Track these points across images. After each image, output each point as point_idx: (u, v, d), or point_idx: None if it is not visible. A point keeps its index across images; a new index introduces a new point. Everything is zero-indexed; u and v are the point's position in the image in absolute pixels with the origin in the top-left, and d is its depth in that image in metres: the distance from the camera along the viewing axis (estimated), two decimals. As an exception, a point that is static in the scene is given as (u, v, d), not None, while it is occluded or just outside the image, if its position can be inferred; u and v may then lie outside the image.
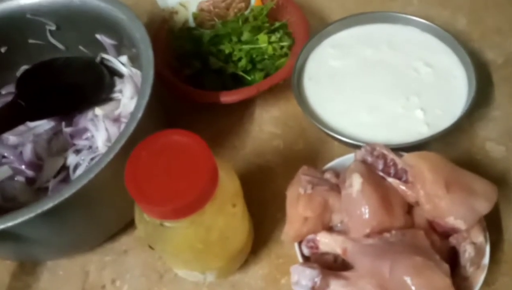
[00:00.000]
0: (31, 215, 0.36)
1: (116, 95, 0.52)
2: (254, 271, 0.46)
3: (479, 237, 0.40)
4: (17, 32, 0.52)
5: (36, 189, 0.48)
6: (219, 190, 0.35)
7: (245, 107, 0.56)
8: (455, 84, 0.51)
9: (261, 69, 0.55)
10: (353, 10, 0.58)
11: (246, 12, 0.59)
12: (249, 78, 0.55)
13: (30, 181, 0.48)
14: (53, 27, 0.52)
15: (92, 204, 0.41)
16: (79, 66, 0.54)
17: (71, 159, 0.49)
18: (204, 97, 0.52)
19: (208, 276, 0.44)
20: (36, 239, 0.41)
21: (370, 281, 0.36)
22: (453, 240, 0.40)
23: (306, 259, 0.41)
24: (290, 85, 0.52)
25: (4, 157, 0.50)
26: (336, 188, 0.41)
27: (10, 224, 0.36)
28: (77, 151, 0.49)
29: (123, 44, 0.51)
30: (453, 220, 0.38)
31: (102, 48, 0.53)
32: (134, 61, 0.52)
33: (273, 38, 0.55)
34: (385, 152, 0.41)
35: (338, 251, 0.39)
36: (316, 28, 0.57)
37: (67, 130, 0.50)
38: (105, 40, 0.52)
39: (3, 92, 0.55)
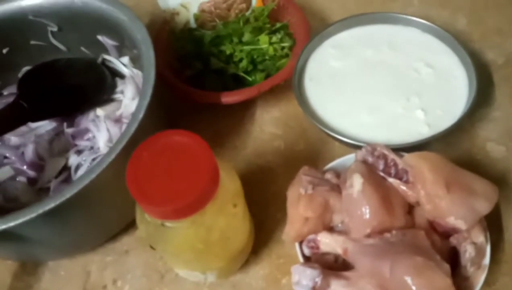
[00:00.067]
0: (33, 215, 0.37)
1: (117, 96, 0.52)
2: (255, 271, 0.46)
3: (480, 237, 0.40)
4: (19, 33, 0.52)
5: (37, 189, 0.48)
6: (220, 190, 0.35)
7: (246, 107, 0.56)
8: (455, 85, 0.51)
9: (262, 69, 0.55)
10: (353, 11, 0.58)
11: (247, 13, 0.59)
12: (250, 78, 0.55)
13: (31, 181, 0.48)
14: (55, 28, 0.52)
15: (93, 204, 0.41)
16: (80, 67, 0.54)
17: (73, 160, 0.49)
18: (205, 98, 0.53)
19: (209, 276, 0.44)
20: (38, 239, 0.41)
21: (371, 281, 0.36)
22: (453, 240, 0.40)
23: (307, 259, 0.41)
24: (291, 86, 0.52)
25: (6, 157, 0.50)
26: (337, 189, 0.41)
27: (11, 224, 0.36)
28: (79, 152, 0.49)
29: (124, 45, 0.51)
30: (454, 220, 0.38)
31: (104, 49, 0.53)
32: (136, 62, 0.52)
33: (274, 39, 0.55)
34: (386, 152, 0.41)
35: (339, 251, 0.39)
36: (317, 28, 0.57)
37: (69, 130, 0.50)
38: (107, 41, 0.52)
39: (5, 93, 0.56)
